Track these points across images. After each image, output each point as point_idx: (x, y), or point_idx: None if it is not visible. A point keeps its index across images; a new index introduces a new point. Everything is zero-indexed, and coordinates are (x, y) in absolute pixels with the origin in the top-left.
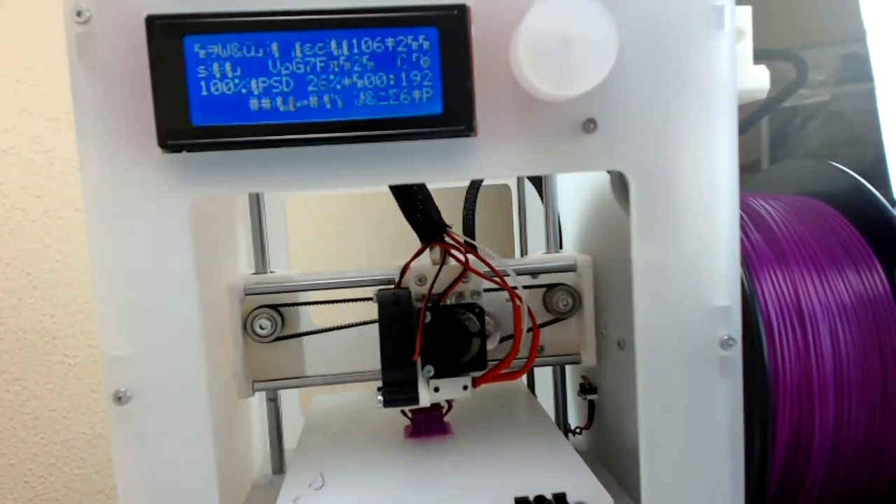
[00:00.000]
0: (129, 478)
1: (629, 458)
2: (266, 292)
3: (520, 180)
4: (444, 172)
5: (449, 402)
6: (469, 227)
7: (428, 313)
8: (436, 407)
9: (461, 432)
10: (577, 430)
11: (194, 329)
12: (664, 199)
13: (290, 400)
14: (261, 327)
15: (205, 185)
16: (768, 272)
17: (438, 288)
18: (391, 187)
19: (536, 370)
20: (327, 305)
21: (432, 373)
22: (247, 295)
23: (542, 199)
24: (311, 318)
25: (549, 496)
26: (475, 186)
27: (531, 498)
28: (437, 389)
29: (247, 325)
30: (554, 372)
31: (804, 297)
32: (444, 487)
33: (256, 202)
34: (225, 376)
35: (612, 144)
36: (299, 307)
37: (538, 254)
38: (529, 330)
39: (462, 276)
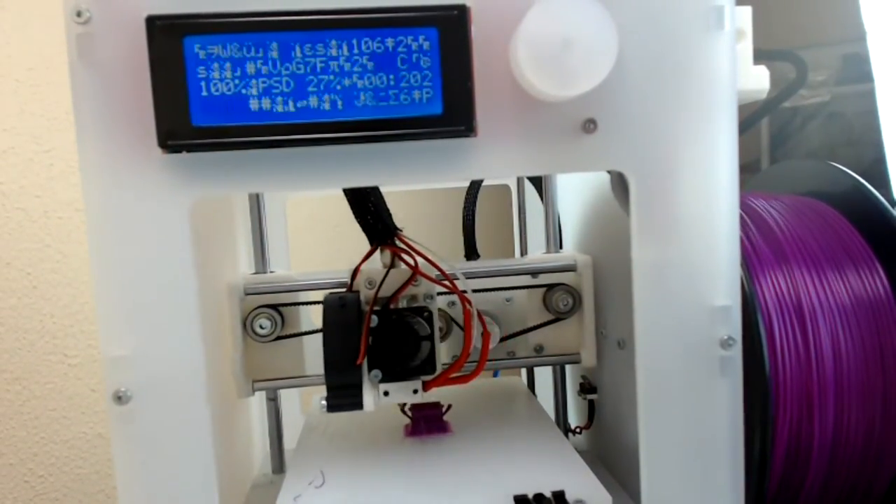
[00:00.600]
0: (129, 478)
1: (629, 458)
2: (266, 292)
3: (520, 180)
4: (444, 173)
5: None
6: (469, 227)
7: (376, 317)
8: (435, 405)
9: (461, 431)
10: (577, 430)
11: (194, 329)
12: (664, 199)
13: (290, 400)
14: (261, 327)
15: (205, 185)
16: (768, 272)
17: (388, 291)
18: (344, 188)
19: (536, 370)
20: None
21: (380, 377)
22: (247, 295)
23: (542, 199)
24: (311, 318)
25: (548, 494)
26: (475, 186)
27: (530, 496)
28: (386, 393)
29: (247, 325)
30: (554, 372)
31: (804, 297)
32: (443, 485)
33: (256, 202)
34: (225, 376)
35: (612, 144)
36: (299, 307)
37: (538, 254)
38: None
39: (411, 280)
